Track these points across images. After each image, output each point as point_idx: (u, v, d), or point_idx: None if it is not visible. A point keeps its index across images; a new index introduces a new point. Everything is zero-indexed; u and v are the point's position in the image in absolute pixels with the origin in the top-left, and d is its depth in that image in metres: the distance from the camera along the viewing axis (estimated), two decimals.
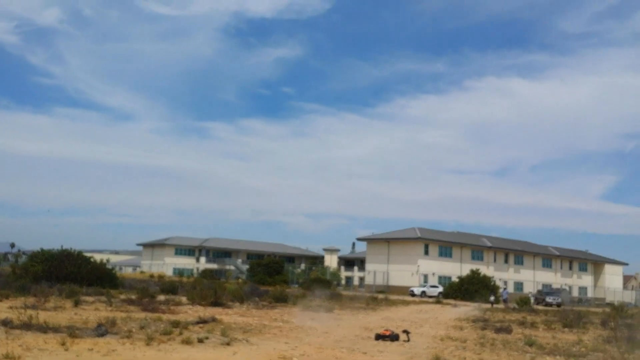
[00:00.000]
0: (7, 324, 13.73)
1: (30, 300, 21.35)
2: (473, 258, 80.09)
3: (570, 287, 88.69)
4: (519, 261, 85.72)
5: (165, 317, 18.61)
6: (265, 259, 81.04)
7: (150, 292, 28.76)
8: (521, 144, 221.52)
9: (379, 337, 16.01)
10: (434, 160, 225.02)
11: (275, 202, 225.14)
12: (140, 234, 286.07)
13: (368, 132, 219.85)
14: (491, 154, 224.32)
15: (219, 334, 14.58)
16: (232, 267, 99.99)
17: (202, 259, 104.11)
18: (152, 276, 66.69)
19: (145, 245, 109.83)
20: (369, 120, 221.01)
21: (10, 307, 18.30)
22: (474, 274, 65.28)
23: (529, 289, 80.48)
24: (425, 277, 73.73)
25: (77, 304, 21.95)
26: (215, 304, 25.81)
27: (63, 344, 11.42)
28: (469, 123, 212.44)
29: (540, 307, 49.10)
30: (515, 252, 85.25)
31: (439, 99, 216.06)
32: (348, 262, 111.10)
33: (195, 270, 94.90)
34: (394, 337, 15.85)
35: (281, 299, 31.33)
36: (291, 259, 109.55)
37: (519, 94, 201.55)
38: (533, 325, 25.22)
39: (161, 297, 28.07)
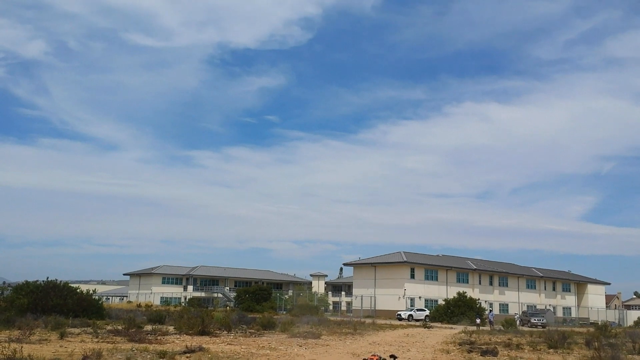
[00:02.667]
0: None
1: (15, 333, 21.14)
2: (458, 281, 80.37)
3: (554, 308, 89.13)
4: (503, 283, 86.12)
5: (152, 347, 18.53)
6: (253, 286, 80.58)
7: (137, 322, 28.54)
8: (501, 167, 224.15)
9: None
10: (417, 185, 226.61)
11: (261, 229, 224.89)
12: (127, 264, 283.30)
13: (351, 158, 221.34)
14: (473, 178, 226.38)
15: None
16: (220, 295, 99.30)
17: (190, 288, 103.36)
18: (139, 306, 66.01)
19: (133, 275, 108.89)
20: (352, 146, 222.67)
21: None
22: (460, 296, 65.47)
23: (514, 310, 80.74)
24: (412, 300, 73.76)
25: (62, 336, 21.74)
26: (203, 332, 25.69)
27: None
28: (450, 148, 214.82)
29: (525, 328, 49.24)
30: (499, 274, 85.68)
31: (420, 124, 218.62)
32: (335, 287, 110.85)
33: (182, 299, 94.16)
34: None
35: (269, 326, 31.24)
36: (279, 285, 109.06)
37: (497, 118, 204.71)
38: (519, 346, 25.34)
39: (148, 327, 27.89)
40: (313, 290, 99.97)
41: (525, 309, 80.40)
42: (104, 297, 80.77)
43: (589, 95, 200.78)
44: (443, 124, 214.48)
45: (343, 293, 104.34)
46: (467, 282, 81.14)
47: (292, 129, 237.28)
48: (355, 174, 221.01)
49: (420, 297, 74.75)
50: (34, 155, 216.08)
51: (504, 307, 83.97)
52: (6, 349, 14.26)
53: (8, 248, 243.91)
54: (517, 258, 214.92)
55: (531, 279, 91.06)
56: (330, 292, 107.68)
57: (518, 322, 57.81)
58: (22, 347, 15.35)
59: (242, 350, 19.43)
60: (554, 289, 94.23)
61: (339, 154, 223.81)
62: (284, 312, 65.83)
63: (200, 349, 18.26)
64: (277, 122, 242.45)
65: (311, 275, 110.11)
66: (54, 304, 33.34)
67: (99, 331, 24.54)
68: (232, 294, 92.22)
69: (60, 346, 18.43)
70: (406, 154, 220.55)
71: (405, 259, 76.55)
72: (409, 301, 73.48)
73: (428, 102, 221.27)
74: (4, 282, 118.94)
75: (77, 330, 25.13)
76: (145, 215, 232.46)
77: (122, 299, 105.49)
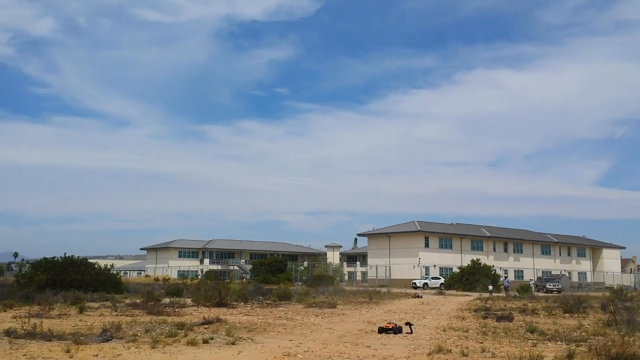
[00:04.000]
0: (10, 333, 13.76)
1: (35, 309, 21.45)
2: (473, 248, 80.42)
3: (569, 273, 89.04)
4: (518, 249, 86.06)
5: (170, 319, 18.75)
6: (268, 258, 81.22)
7: (155, 296, 28.88)
8: (514, 134, 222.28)
9: (382, 330, 16.17)
10: (429, 154, 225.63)
11: (275, 202, 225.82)
12: (143, 239, 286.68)
13: (363, 128, 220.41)
14: (485, 146, 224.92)
15: (223, 334, 14.73)
16: (236, 268, 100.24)
17: (206, 261, 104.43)
18: (156, 279, 66.88)
19: (149, 249, 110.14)
20: (363, 117, 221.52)
21: (14, 317, 18.36)
22: (475, 264, 65.55)
23: (529, 276, 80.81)
24: (427, 269, 74.03)
25: (81, 310, 22.05)
26: (220, 304, 25.96)
27: (68, 351, 11.49)
28: (461, 115, 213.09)
29: (540, 294, 49.32)
30: (514, 241, 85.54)
31: (431, 93, 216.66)
32: (350, 258, 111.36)
33: (199, 272, 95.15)
34: (397, 330, 16.01)
35: (285, 297, 31.49)
36: (294, 257, 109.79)
37: (508, 85, 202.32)
38: (534, 312, 25.42)
39: (166, 300, 28.21)
40: (328, 261, 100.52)
41: (540, 275, 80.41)
42: (122, 272, 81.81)
43: (600, 59, 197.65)
44: (454, 91, 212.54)
45: (358, 263, 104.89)
46: (482, 250, 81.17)
47: (302, 101, 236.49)
48: (367, 145, 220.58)
49: (434, 266, 74.98)
50: (47, 134, 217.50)
51: (519, 273, 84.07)
52: (26, 324, 14.46)
53: (25, 225, 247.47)
54: (532, 224, 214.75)
55: (546, 245, 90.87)
56: (345, 263, 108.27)
57: (533, 288, 57.89)
58: (42, 321, 15.59)
59: (259, 320, 19.62)
60: (568, 255, 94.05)
61: (350, 125, 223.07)
62: (300, 283, 66.34)
63: (218, 320, 18.45)
64: (287, 94, 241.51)
65: (326, 246, 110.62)
66: (72, 279, 33.77)
67: (117, 305, 24.88)
68: (248, 267, 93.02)
69: (80, 320, 18.69)
70: (418, 123, 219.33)
71: (419, 228, 76.60)
72: (423, 270, 73.76)
73: (438, 70, 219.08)
74: (22, 259, 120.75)
75: (96, 305, 25.48)
76: (160, 190, 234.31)
77: (140, 273, 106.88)
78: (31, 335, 13.65)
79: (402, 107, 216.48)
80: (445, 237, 78.79)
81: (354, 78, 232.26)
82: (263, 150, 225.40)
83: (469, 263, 66.84)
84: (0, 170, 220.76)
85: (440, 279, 66.87)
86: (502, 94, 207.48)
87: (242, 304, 27.82)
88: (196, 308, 24.85)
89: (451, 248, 78.63)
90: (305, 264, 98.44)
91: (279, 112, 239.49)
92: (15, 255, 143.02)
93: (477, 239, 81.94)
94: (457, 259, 76.54)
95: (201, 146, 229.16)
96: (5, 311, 21.69)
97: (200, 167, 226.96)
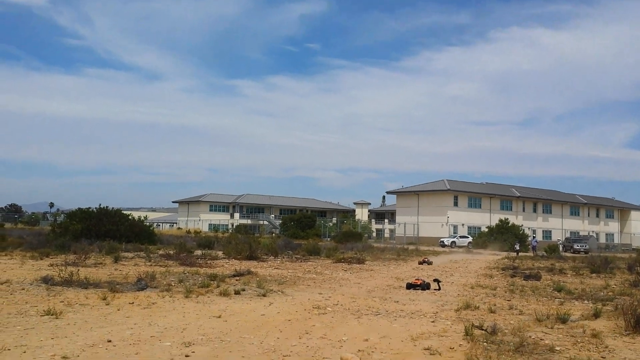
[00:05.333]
0: (48, 281, 14.20)
1: (71, 257, 22.08)
2: (502, 208, 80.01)
3: (597, 234, 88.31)
4: (547, 210, 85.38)
5: (202, 271, 19.20)
6: (298, 214, 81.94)
7: (188, 247, 29.53)
8: (546, 94, 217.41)
9: (410, 286, 16.34)
10: (459, 113, 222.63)
11: (305, 158, 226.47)
12: (175, 192, 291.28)
13: (393, 86, 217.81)
14: (517, 105, 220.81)
15: (254, 286, 15.08)
16: (266, 222, 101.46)
17: (236, 215, 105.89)
18: (188, 232, 68.16)
19: (181, 203, 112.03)
20: (395, 74, 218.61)
21: (51, 265, 18.96)
22: (503, 223, 65.33)
23: (558, 236, 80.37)
24: (455, 227, 74.03)
25: (116, 260, 22.68)
26: (250, 257, 26.45)
27: (104, 298, 11.87)
28: (494, 74, 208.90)
29: (568, 254, 49.02)
30: (543, 201, 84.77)
31: (464, 51, 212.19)
32: (378, 215, 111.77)
33: (230, 226, 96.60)
34: (425, 286, 16.17)
35: (314, 252, 31.90)
36: (323, 213, 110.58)
37: (543, 44, 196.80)
38: (561, 271, 25.39)
39: (198, 252, 28.81)
40: (356, 218, 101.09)
41: (568, 235, 79.88)
42: (155, 224, 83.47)
43: (635, 20, 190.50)
44: (488, 50, 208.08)
45: (386, 221, 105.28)
46: (511, 210, 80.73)
47: (333, 57, 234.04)
48: (397, 103, 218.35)
49: (463, 225, 74.92)
50: (81, 86, 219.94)
51: (547, 233, 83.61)
52: (63, 272, 14.93)
53: (60, 177, 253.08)
54: (561, 185, 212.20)
55: (575, 205, 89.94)
56: (373, 220, 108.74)
57: (561, 248, 57.60)
58: (78, 270, 16.04)
59: (289, 274, 19.98)
60: (597, 216, 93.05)
61: (381, 82, 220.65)
62: (328, 239, 67.00)
63: (249, 272, 18.85)
64: (319, 50, 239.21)
65: (354, 203, 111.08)
66: (107, 229, 34.56)
67: (151, 256, 25.49)
68: (278, 222, 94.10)
69: (115, 269, 19.25)
70: (449, 81, 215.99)
71: (448, 187, 76.32)
72: (452, 228, 73.77)
73: (473, 28, 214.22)
74: (58, 209, 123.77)
75: (130, 255, 26.15)
76: (191, 144, 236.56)
77: (172, 226, 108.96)
78: (68, 282, 14.09)
79: (434, 64, 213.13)
80: (475, 196, 78.40)
81: (386, 34, 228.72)
82: (293, 106, 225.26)
83: (498, 222, 66.65)
84: (35, 121, 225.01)
85: (468, 237, 66.90)
86: (536, 52, 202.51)
87: (272, 257, 28.29)
88: (227, 260, 25.36)
89: (480, 207, 78.32)
90: (334, 220, 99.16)
91: (309, 67, 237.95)
92: (51, 205, 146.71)
93: (506, 198, 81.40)
94: (486, 219, 76.30)
95: (231, 101, 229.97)
96: (42, 259, 22.40)
97: (231, 121, 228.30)
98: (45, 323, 9.18)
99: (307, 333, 8.93)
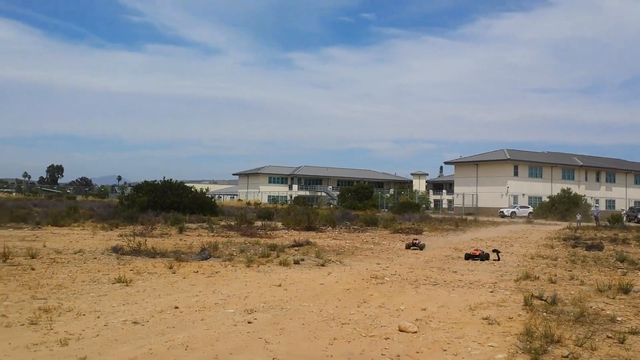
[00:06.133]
0: (118, 250, 14.99)
1: (138, 228, 23.00)
2: (564, 177, 77.95)
3: None
4: (610, 179, 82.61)
5: (262, 241, 19.66)
6: (355, 185, 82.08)
7: (248, 219, 30.18)
8: (610, 60, 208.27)
9: (468, 256, 16.28)
10: (518, 80, 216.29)
11: (361, 130, 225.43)
12: (235, 164, 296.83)
13: (450, 54, 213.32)
14: (578, 72, 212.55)
15: (313, 256, 15.37)
16: (323, 194, 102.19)
17: (295, 187, 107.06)
18: (248, 203, 69.45)
19: (241, 175, 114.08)
20: (451, 42, 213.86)
21: (120, 235, 19.79)
22: (565, 193, 63.70)
23: (621, 206, 77.71)
24: (515, 198, 72.65)
25: (181, 230, 23.46)
26: (309, 228, 26.82)
27: (170, 267, 12.40)
28: (555, 40, 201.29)
29: (632, 224, 47.42)
30: (606, 170, 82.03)
31: (524, 16, 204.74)
32: (436, 186, 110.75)
33: (288, 197, 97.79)
34: (484, 257, 16.08)
35: (371, 223, 32.02)
36: (380, 184, 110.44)
37: (607, 8, 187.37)
38: (625, 241, 24.67)
39: (258, 223, 29.40)
40: (414, 188, 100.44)
41: (632, 205, 77.12)
42: (216, 196, 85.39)
43: None
44: (548, 15, 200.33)
45: (444, 191, 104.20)
46: (573, 179, 78.55)
47: (388, 27, 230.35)
48: (453, 71, 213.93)
49: (523, 195, 73.46)
50: (143, 62, 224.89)
51: (610, 203, 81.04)
52: (131, 242, 15.64)
53: (126, 151, 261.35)
54: (626, 153, 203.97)
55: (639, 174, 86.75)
56: (431, 191, 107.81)
57: (624, 218, 55.74)
58: (145, 240, 16.74)
59: (347, 244, 20.20)
60: None
61: (437, 51, 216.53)
62: (386, 210, 66.95)
63: (308, 243, 19.17)
64: (374, 20, 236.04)
65: (412, 174, 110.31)
66: (171, 201, 35.65)
67: (213, 226, 26.22)
68: (335, 193, 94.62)
69: (180, 240, 19.94)
70: (507, 48, 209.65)
71: (508, 157, 74.78)
72: (511, 199, 72.45)
73: None
74: (125, 182, 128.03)
75: (193, 226, 26.95)
76: (249, 117, 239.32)
77: (232, 198, 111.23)
78: (136, 252, 14.78)
79: (492, 31, 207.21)
80: (535, 165, 76.57)
81: (442, 2, 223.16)
82: (348, 78, 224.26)
83: (559, 192, 65.02)
84: (101, 97, 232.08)
85: (528, 207, 65.62)
86: (600, 17, 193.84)
87: (329, 228, 28.59)
88: (286, 231, 25.80)
89: (541, 177, 76.53)
90: (391, 191, 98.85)
91: (364, 38, 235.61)
92: (119, 178, 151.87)
93: (568, 168, 79.19)
94: (547, 188, 74.53)
95: (288, 74, 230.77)
96: (111, 230, 23.40)
97: (288, 94, 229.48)
98: (117, 290, 9.69)
99: (365, 302, 9.11)
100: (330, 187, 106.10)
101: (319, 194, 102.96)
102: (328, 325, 7.52)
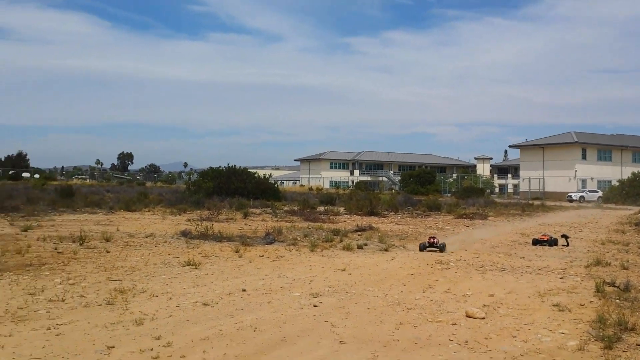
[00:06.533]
0: (186, 234, 15.53)
1: (205, 213, 23.62)
2: (634, 160, 74.88)
3: None
4: None
5: (325, 226, 19.82)
6: (417, 170, 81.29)
7: (311, 204, 30.44)
8: None
9: (536, 242, 15.92)
10: (584, 61, 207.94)
11: (423, 114, 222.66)
12: (296, 150, 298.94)
13: (514, 35, 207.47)
14: None
15: (376, 241, 15.39)
16: (385, 179, 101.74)
17: (356, 172, 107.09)
18: (310, 189, 69.88)
19: (303, 160, 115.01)
20: (514, 23, 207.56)
21: (188, 220, 20.36)
22: (636, 176, 61.03)
23: None
24: (584, 182, 70.30)
25: (246, 215, 23.95)
26: (371, 213, 26.81)
27: (237, 251, 12.71)
28: (621, 19, 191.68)
29: None
30: None
31: None
32: (501, 170, 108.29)
33: (349, 183, 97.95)
34: (552, 242, 15.68)
35: (434, 208, 31.69)
36: (442, 169, 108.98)
37: None
38: None
39: (320, 208, 29.61)
40: (477, 173, 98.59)
41: None
42: (279, 181, 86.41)
43: None
44: None
45: (509, 176, 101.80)
46: None
47: (450, 8, 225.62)
48: (517, 52, 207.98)
49: (592, 179, 71.03)
50: (206, 51, 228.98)
51: None
52: (199, 227, 16.11)
53: (191, 138, 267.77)
54: None
55: None
56: (495, 175, 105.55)
57: None
58: (212, 224, 17.22)
59: (410, 229, 20.10)
60: None
61: (501, 33, 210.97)
62: (449, 195, 66.04)
63: (370, 227, 19.20)
64: (435, 1, 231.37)
65: (475, 158, 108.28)
66: (236, 187, 36.37)
67: (277, 212, 26.61)
68: (397, 178, 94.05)
69: (245, 224, 20.37)
70: (572, 28, 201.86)
71: (576, 140, 72.34)
72: (579, 182, 70.14)
73: None
74: (191, 169, 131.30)
75: (257, 211, 27.42)
76: (310, 103, 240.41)
77: (295, 183, 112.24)
78: (204, 236, 15.25)
79: (558, 10, 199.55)
80: (604, 148, 73.80)
81: None
82: (409, 61, 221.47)
83: (630, 176, 62.42)
84: (167, 86, 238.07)
85: (598, 192, 63.40)
86: None
87: (392, 213, 28.49)
88: (349, 216, 25.89)
89: (610, 160, 73.74)
90: (454, 176, 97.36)
91: (426, 20, 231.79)
92: (185, 165, 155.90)
93: (639, 150, 76.00)
94: (617, 172, 71.73)
95: (348, 58, 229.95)
96: (179, 215, 24.10)
97: (349, 79, 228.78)
98: (187, 273, 10.01)
99: (430, 287, 9.07)
100: (392, 172, 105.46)
101: (381, 179, 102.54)
102: (393, 310, 7.54)
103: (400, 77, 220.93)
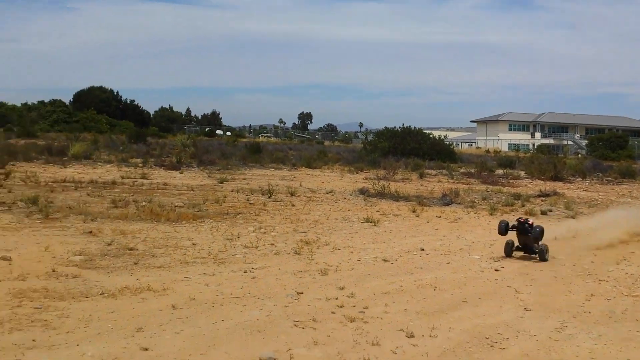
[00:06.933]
0: (364, 192, 15.91)
1: (381, 172, 23.92)
2: None
3: None
4: None
5: (505, 189, 19.10)
6: (607, 134, 74.93)
7: (488, 166, 29.49)
8: None
9: None
10: None
11: (613, 72, 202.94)
12: (472, 111, 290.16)
13: None
14: None
15: (562, 208, 14.56)
16: (570, 142, 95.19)
17: (537, 135, 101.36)
18: (487, 151, 67.66)
19: (479, 122, 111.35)
20: None
21: (365, 179, 20.82)
22: None
23: None
24: None
25: (421, 176, 23.87)
26: (555, 178, 25.29)
27: (414, 210, 12.76)
28: None
29: None
30: None
31: None
32: None
33: (530, 146, 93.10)
34: None
35: (627, 175, 29.06)
36: (637, 132, 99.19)
37: None
38: None
39: (499, 171, 28.58)
40: None
41: None
42: (454, 143, 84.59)
43: None
44: None
45: None
46: None
47: None
48: None
49: None
50: (381, 10, 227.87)
51: None
52: (376, 185, 16.39)
53: (367, 98, 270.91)
54: None
55: None
56: None
57: None
58: (389, 184, 17.43)
59: (600, 197, 18.71)
60: None
61: None
62: None
63: (555, 193, 18.15)
64: None
65: None
66: (411, 147, 36.29)
67: (453, 173, 26.18)
68: (583, 142, 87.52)
69: (421, 185, 20.34)
70: None
71: None
72: None
73: None
74: (366, 129, 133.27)
75: (433, 172, 27.19)
76: (487, 62, 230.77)
77: (470, 145, 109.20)
78: (381, 195, 15.52)
79: None
80: None
81: None
82: (597, 15, 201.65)
83: None
84: (345, 47, 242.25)
85: None
86: None
87: (579, 179, 26.65)
88: (530, 181, 24.68)
89: None
90: None
91: None
92: (360, 125, 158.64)
93: None
94: None
95: (527, 14, 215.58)
96: (357, 173, 24.72)
97: (528, 36, 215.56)
98: (366, 229, 10.30)
99: (625, 259, 8.42)
100: (578, 135, 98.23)
101: (565, 142, 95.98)
102: (583, 280, 7.14)
103: (586, 33, 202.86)
